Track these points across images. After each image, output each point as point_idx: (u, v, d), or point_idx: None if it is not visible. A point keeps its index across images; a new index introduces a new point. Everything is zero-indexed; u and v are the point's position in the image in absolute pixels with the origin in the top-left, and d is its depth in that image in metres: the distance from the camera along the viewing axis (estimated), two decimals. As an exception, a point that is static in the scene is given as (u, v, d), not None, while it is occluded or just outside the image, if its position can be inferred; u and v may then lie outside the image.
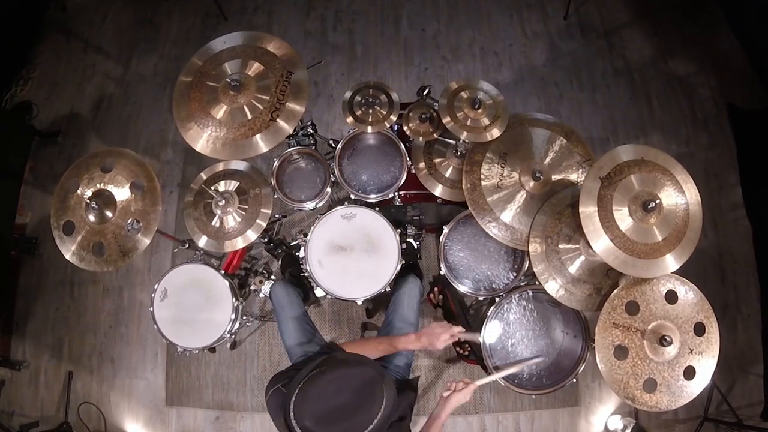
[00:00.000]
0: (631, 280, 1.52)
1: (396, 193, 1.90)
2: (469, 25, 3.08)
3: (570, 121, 2.81)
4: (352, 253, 1.84)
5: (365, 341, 1.55)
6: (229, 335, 1.90)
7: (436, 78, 2.95)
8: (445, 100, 1.63)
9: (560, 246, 1.59)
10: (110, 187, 1.65)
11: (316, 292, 1.86)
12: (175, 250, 2.08)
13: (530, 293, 1.84)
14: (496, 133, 1.62)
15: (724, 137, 2.81)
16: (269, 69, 1.61)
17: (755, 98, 2.82)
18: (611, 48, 3.00)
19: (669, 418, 2.39)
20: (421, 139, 1.77)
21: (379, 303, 2.43)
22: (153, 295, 1.86)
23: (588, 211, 1.43)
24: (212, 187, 1.79)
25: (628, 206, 1.43)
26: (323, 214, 1.87)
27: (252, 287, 2.00)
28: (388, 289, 1.81)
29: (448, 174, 1.84)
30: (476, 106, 1.61)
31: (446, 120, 1.60)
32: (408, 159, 1.87)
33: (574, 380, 1.74)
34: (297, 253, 1.89)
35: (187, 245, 1.99)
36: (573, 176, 1.68)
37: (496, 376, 1.61)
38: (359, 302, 1.84)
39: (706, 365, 1.50)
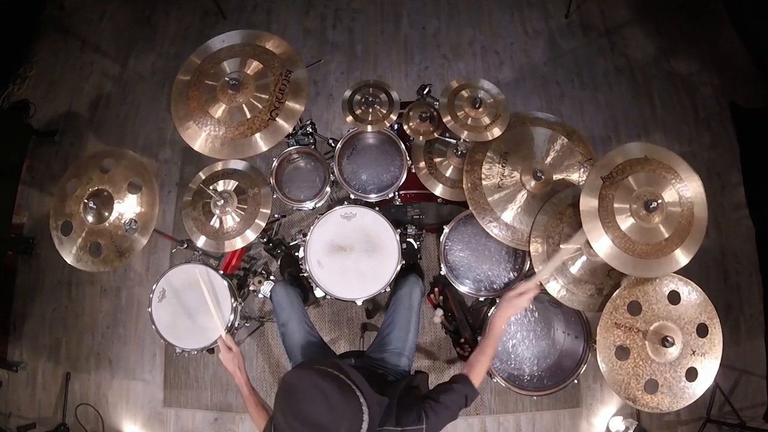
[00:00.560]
0: (633, 280, 1.51)
1: (396, 193, 1.89)
2: (469, 24, 3.06)
3: (571, 120, 2.80)
4: (351, 253, 1.82)
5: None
6: (227, 336, 1.89)
7: (436, 77, 2.93)
8: (446, 99, 1.62)
9: (561, 246, 1.57)
10: (108, 187, 1.64)
11: (315, 292, 1.85)
12: (173, 250, 2.07)
13: (531, 294, 1.82)
14: (497, 132, 1.60)
15: (726, 136, 2.80)
16: (268, 68, 1.60)
17: (758, 97, 2.81)
18: (613, 46, 2.99)
19: (671, 420, 2.37)
20: (421, 138, 1.76)
21: (379, 303, 2.42)
22: (151, 295, 1.85)
23: (589, 210, 1.41)
24: (211, 187, 1.78)
25: (629, 206, 1.41)
26: (323, 214, 1.86)
27: (251, 288, 1.98)
28: (388, 289, 1.80)
29: (448, 173, 1.83)
30: (477, 105, 1.59)
31: (447, 119, 1.59)
32: (408, 158, 1.86)
33: (576, 381, 1.73)
34: (296, 254, 1.88)
35: (185, 245, 1.98)
36: (574, 176, 1.67)
37: (551, 264, 1.49)
38: (359, 303, 1.82)
39: (708, 367, 1.49)
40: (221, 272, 1.87)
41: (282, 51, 1.64)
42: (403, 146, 1.88)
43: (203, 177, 1.89)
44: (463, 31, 3.05)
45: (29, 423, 2.41)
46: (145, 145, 2.84)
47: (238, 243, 1.78)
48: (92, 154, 1.70)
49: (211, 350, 1.85)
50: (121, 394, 2.48)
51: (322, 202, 1.95)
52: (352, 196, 1.90)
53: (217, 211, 1.80)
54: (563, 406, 2.38)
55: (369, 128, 1.75)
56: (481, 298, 1.85)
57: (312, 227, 1.85)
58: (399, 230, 1.84)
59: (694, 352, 1.48)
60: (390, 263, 1.80)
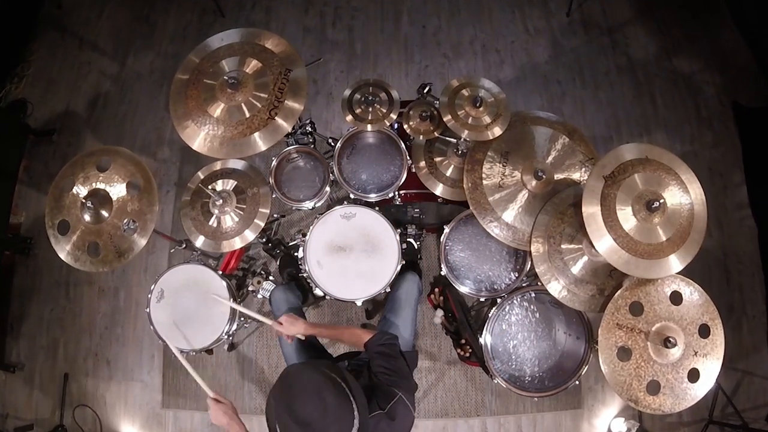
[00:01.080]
0: (635, 281, 1.50)
1: (396, 193, 1.87)
2: (470, 22, 3.05)
3: (573, 119, 2.78)
4: (351, 254, 1.81)
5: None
6: (226, 337, 1.88)
7: (436, 75, 2.92)
8: (446, 97, 1.61)
9: (563, 246, 1.56)
10: (106, 187, 1.62)
11: (315, 292, 1.84)
12: (171, 251, 2.05)
13: (532, 294, 1.82)
14: (497, 131, 1.59)
15: (728, 136, 2.78)
16: (267, 66, 1.59)
17: (760, 96, 2.79)
18: (614, 45, 2.97)
19: (673, 421, 2.36)
20: (421, 137, 1.76)
21: (379, 304, 2.41)
22: (149, 295, 1.84)
23: (591, 210, 1.40)
24: (209, 187, 1.77)
25: (631, 206, 1.40)
26: (322, 214, 1.85)
27: (250, 288, 1.98)
28: (388, 290, 1.79)
29: (449, 173, 1.82)
30: (477, 104, 1.58)
31: (447, 118, 1.58)
32: (408, 158, 1.85)
33: (577, 382, 1.72)
34: (296, 254, 1.87)
35: (184, 245, 1.97)
36: (576, 175, 1.66)
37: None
38: (359, 303, 1.82)
39: (710, 368, 1.48)
40: (220, 272, 1.86)
41: (281, 50, 1.63)
42: (403, 145, 1.87)
43: (202, 176, 1.88)
44: (463, 29, 3.03)
45: (27, 424, 2.40)
46: (144, 144, 2.82)
47: (237, 243, 1.77)
48: (89, 152, 1.68)
49: (209, 351, 1.84)
50: (120, 395, 2.46)
51: (322, 201, 1.94)
52: (351, 196, 1.89)
53: (216, 211, 1.79)
54: (564, 407, 2.37)
55: (369, 127, 1.74)
56: (482, 299, 1.84)
57: (311, 227, 1.84)
58: (399, 230, 1.83)
59: (696, 353, 1.47)
60: (390, 263, 1.79)
